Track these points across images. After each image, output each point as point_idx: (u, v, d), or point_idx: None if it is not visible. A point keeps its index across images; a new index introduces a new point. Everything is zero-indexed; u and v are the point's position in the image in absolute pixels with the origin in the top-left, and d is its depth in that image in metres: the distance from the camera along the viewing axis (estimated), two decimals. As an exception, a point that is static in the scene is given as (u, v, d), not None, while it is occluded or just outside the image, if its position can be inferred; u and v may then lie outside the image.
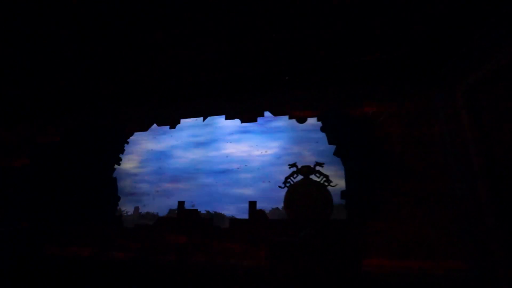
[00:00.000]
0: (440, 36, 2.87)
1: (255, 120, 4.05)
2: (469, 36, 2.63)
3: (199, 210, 4.30)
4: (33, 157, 6.12)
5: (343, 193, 4.61)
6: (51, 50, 3.98)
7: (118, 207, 6.89)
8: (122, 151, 7.83)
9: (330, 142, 5.11)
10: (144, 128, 5.01)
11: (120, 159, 7.87)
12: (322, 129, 5.20)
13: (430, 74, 3.15)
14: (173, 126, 4.63)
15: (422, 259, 2.76)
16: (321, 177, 3.34)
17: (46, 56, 3.91)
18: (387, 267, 2.86)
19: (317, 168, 3.33)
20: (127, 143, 8.00)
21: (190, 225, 4.05)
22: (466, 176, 2.79)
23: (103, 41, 3.86)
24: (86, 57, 4.11)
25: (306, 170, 3.35)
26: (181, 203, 4.15)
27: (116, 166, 7.61)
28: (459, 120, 2.88)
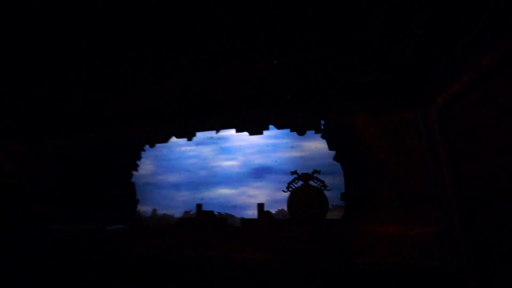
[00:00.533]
0: (414, 63, 3.42)
1: (261, 133, 4.66)
2: (437, 64, 3.17)
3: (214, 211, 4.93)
4: (65, 167, 6.90)
5: (342, 195, 5.16)
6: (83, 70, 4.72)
7: (137, 209, 7.71)
8: (139, 158, 8.60)
9: (330, 148, 5.67)
10: (164, 140, 5.69)
11: (138, 165, 8.63)
12: (323, 136, 5.75)
13: (410, 93, 3.68)
14: (190, 139, 5.29)
15: (404, 251, 3.29)
16: (318, 182, 3.91)
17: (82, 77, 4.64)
18: (374, 257, 3.40)
19: (315, 175, 3.91)
20: (144, 150, 8.77)
21: (207, 224, 4.69)
22: (439, 183, 3.32)
23: (125, 67, 4.56)
24: (112, 81, 4.82)
25: (305, 177, 3.92)
26: (199, 205, 4.80)
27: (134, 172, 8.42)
28: (433, 134, 3.41)
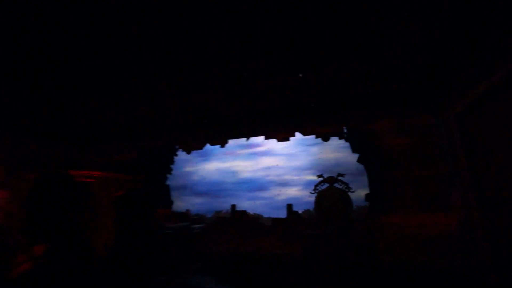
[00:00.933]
0: (432, 73, 3.67)
1: (288, 140, 5.09)
2: (453, 75, 3.42)
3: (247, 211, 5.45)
4: (113, 170, 7.76)
5: (367, 196, 5.42)
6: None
7: (172, 210, 8.50)
8: (172, 163, 9.37)
9: (353, 151, 5.92)
10: (200, 147, 6.33)
11: (171, 169, 9.40)
12: (346, 139, 6.02)
13: (429, 101, 3.91)
14: (223, 146, 5.86)
15: (425, 250, 3.55)
16: (343, 185, 4.25)
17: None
18: (397, 255, 3.69)
19: (340, 178, 4.26)
20: (176, 155, 9.53)
21: (241, 223, 5.21)
22: (459, 184, 3.54)
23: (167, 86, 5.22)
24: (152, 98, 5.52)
25: (331, 180, 4.28)
26: (233, 206, 5.34)
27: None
28: (453, 139, 3.64)
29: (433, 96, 3.89)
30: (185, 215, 4.98)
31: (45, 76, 4.38)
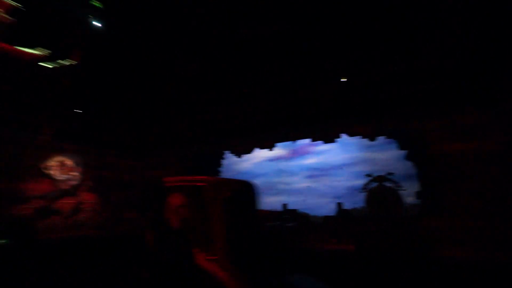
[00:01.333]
0: (483, 69, 3.67)
1: (334, 141, 5.34)
2: (506, 67, 3.41)
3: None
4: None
5: (417, 194, 5.41)
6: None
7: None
8: (220, 165, 10.03)
9: (401, 148, 5.91)
10: (248, 151, 6.85)
11: (220, 172, 10.08)
12: (394, 137, 6.04)
13: (481, 99, 3.88)
14: (270, 149, 6.31)
15: (479, 245, 3.57)
16: (393, 183, 4.38)
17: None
18: (453, 251, 3.75)
19: (389, 176, 4.42)
20: (223, 159, 10.17)
21: (292, 220, 5.58)
22: (519, 180, 3.49)
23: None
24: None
25: (379, 179, 4.44)
26: (285, 205, 5.75)
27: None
28: (509, 135, 3.60)
29: (484, 91, 3.84)
30: (278, 214, 5.45)
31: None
